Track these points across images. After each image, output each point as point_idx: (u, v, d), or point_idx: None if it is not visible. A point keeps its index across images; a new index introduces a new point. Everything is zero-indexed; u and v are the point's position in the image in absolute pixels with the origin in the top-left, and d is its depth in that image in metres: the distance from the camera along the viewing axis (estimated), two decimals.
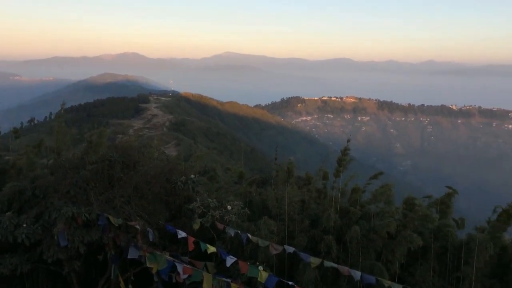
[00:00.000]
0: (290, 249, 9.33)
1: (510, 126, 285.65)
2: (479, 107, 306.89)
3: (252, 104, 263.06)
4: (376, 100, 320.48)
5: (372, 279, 8.40)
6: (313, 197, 12.24)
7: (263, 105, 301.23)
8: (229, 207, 10.17)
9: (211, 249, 9.26)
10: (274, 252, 9.32)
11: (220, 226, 9.95)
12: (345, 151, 11.83)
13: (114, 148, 11.37)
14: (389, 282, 8.08)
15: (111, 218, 9.07)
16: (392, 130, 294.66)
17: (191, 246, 9.24)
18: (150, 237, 9.18)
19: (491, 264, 10.25)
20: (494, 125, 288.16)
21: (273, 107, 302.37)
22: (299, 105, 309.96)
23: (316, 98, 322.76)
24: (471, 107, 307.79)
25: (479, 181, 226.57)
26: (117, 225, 9.15)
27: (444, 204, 11.88)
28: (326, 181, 12.71)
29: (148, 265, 9.06)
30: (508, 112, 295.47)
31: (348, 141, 12.03)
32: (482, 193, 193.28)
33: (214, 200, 10.29)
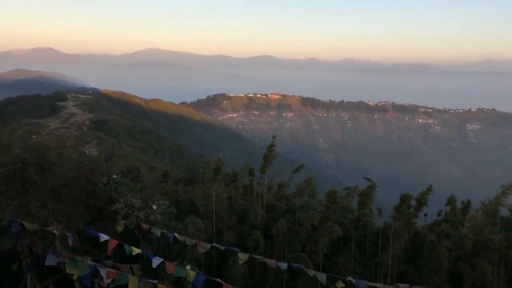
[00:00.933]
0: (219, 247, 9.32)
1: (420, 120, 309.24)
2: (393, 103, 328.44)
3: (177, 102, 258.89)
4: (299, 96, 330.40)
5: (299, 265, 8.66)
6: (240, 193, 12.34)
7: (189, 103, 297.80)
8: (154, 207, 9.93)
9: (136, 251, 8.98)
10: (202, 250, 9.25)
11: (145, 226, 9.68)
12: (270, 147, 12.04)
13: (27, 149, 10.63)
14: (313, 272, 8.37)
15: (25, 224, 8.46)
16: (315, 126, 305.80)
17: (110, 250, 8.88)
18: (70, 242, 8.70)
19: (405, 249, 10.96)
20: (406, 119, 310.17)
21: (199, 104, 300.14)
22: (225, 102, 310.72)
23: (242, 95, 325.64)
24: (385, 103, 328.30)
25: (394, 172, 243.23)
26: (32, 231, 8.56)
27: (365, 195, 12.49)
28: (253, 177, 12.86)
29: (68, 271, 8.57)
30: (418, 107, 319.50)
31: (274, 137, 12.26)
32: (397, 183, 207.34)
33: (139, 200, 9.99)
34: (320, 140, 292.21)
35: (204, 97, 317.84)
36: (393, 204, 12.79)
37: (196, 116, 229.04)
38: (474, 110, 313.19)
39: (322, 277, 8.20)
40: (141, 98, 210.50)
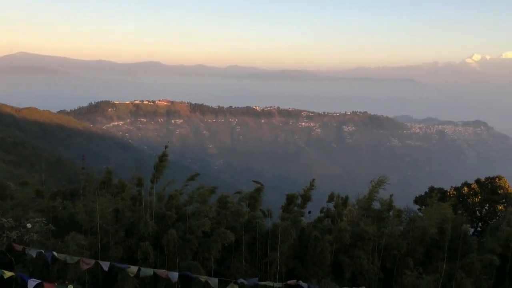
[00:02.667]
0: (105, 264, 8.80)
1: (303, 124, 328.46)
2: (278, 107, 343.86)
3: (55, 110, 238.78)
4: (188, 103, 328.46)
5: (189, 273, 8.57)
6: (127, 205, 11.81)
7: (69, 111, 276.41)
8: (29, 225, 9.04)
9: (8, 274, 8.07)
10: (86, 267, 8.65)
11: (18, 247, 8.76)
12: (163, 158, 11.73)
13: None
14: (205, 277, 8.37)
15: None
16: (205, 132, 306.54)
17: None
18: None
19: (293, 246, 11.50)
20: (290, 123, 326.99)
21: (81, 113, 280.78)
22: (109, 109, 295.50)
23: (127, 102, 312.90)
24: (271, 108, 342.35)
25: (282, 173, 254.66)
26: None
27: (253, 198, 12.80)
28: (141, 187, 12.41)
29: None
30: (301, 111, 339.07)
31: (166, 147, 11.98)
32: (284, 185, 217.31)
33: (10, 219, 9.00)
34: (210, 146, 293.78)
35: (85, 104, 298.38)
36: (282, 204, 13.27)
37: (78, 125, 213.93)
38: (349, 113, 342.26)
39: (213, 282, 8.24)
40: (12, 107, 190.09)
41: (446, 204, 12.51)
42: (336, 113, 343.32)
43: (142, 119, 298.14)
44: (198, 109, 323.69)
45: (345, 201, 13.79)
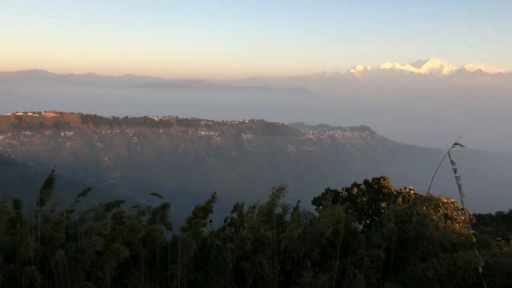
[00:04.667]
0: None
1: (203, 132, 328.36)
2: (177, 117, 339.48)
3: None
4: (79, 113, 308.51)
5: None
6: (4, 228, 10.61)
7: None
8: None
9: None
10: None
11: None
12: (49, 182, 10.74)
13: None
14: None
15: None
16: (99, 144, 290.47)
17: None
18: None
19: (194, 258, 11.32)
20: (190, 132, 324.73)
21: None
22: None
23: (8, 114, 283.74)
24: (170, 118, 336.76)
25: (183, 183, 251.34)
26: None
27: (157, 213, 12.40)
28: (19, 209, 11.22)
29: None
30: (200, 120, 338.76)
31: (53, 171, 11.00)
32: (186, 194, 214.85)
33: None
34: (106, 159, 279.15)
35: None
36: (183, 215, 13.04)
37: None
38: (247, 121, 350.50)
39: None
40: None
41: (340, 206, 13.32)
42: (235, 122, 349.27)
43: (26, 132, 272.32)
44: (90, 120, 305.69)
45: (250, 208, 13.96)
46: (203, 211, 13.01)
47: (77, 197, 11.92)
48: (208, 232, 12.90)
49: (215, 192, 13.32)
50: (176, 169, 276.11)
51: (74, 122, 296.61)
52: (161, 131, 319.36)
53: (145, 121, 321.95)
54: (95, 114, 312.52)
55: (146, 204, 13.04)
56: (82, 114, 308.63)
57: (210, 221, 13.52)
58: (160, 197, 13.09)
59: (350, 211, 16.07)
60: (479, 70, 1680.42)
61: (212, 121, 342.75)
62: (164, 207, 12.55)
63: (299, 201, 14.10)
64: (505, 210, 25.80)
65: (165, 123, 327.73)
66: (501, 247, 14.53)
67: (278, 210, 13.84)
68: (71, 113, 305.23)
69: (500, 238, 15.26)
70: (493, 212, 25.80)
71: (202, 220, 13.18)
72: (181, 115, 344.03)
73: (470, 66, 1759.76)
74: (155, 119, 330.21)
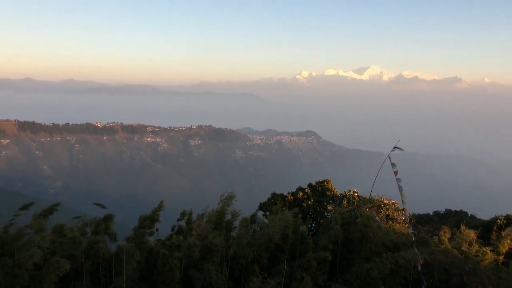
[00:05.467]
0: None
1: (149, 139, 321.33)
2: (121, 123, 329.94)
3: None
4: (15, 120, 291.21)
5: None
6: None
7: None
8: None
9: None
10: None
11: None
12: None
13: None
14: None
15: None
16: (37, 152, 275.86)
17: None
18: None
19: (140, 268, 11.02)
20: (135, 139, 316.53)
21: None
22: None
23: None
24: (114, 124, 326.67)
25: (129, 191, 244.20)
26: None
27: (100, 224, 12.00)
28: None
29: None
30: (146, 126, 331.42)
31: None
32: (133, 203, 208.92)
33: None
34: (45, 167, 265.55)
35: None
36: (130, 224, 12.68)
37: None
38: (194, 127, 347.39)
39: None
40: None
41: (288, 212, 13.50)
42: (182, 128, 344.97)
43: None
44: (28, 127, 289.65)
45: (199, 216, 13.81)
46: (149, 220, 12.72)
47: (18, 210, 11.31)
48: (154, 241, 12.63)
49: (161, 201, 13.09)
50: (122, 177, 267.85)
51: (10, 130, 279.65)
52: (105, 138, 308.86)
53: (88, 128, 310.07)
54: (33, 121, 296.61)
55: (89, 214, 12.59)
56: (18, 121, 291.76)
57: (157, 230, 13.26)
58: (104, 207, 12.67)
59: (297, 214, 16.31)
60: (416, 77, 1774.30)
61: (158, 127, 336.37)
62: (107, 218, 12.16)
63: (257, 211, 14.13)
64: (442, 210, 27.35)
65: (109, 129, 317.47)
66: (438, 244, 15.33)
67: (227, 216, 13.81)
68: (7, 120, 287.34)
69: (437, 237, 16.11)
70: (431, 212, 27.28)
71: (149, 230, 12.89)
72: (126, 122, 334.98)
73: (407, 73, 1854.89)
74: (99, 125, 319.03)
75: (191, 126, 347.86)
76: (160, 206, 12.84)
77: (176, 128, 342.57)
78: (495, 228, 18.04)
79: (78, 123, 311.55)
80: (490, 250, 14.94)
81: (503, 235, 15.78)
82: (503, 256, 15.33)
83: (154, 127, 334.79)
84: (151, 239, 12.70)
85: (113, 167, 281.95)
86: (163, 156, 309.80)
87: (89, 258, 10.63)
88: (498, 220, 18.72)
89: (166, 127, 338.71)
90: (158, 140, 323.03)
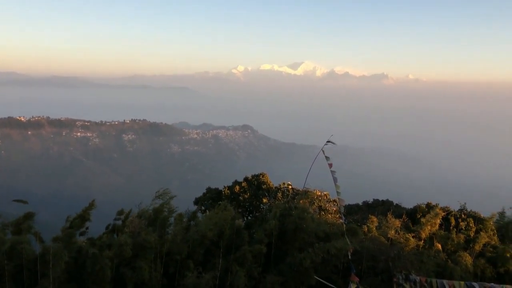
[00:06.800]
0: None
1: (79, 134, 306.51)
2: (48, 117, 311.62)
3: None
4: None
5: None
6: None
7: None
8: None
9: None
10: None
11: None
12: None
13: None
14: None
15: None
16: None
17: None
18: None
19: (69, 269, 10.54)
20: (64, 134, 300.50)
21: None
22: None
23: None
24: (40, 118, 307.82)
25: (58, 189, 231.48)
26: None
27: (19, 223, 11.28)
28: None
29: None
30: (75, 121, 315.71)
31: None
32: (62, 201, 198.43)
33: None
34: None
35: None
36: (58, 224, 12.09)
37: None
38: (128, 122, 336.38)
39: None
40: None
41: (224, 203, 13.51)
42: (115, 122, 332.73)
43: None
44: None
45: (128, 213, 13.42)
46: (80, 219, 12.19)
47: None
48: (84, 241, 12.14)
49: (93, 200, 12.62)
50: (50, 174, 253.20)
51: None
52: (29, 132, 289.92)
53: (10, 122, 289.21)
54: None
55: (12, 213, 11.82)
56: None
57: (87, 228, 12.77)
58: (25, 202, 11.96)
59: (239, 210, 16.41)
60: (347, 73, 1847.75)
61: (89, 121, 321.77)
62: (28, 216, 11.47)
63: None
64: (370, 200, 28.77)
65: (34, 124, 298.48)
66: (367, 233, 16.15)
67: (163, 213, 13.57)
68: None
69: (365, 225, 16.95)
70: (360, 202, 28.60)
71: (80, 229, 12.37)
72: (53, 115, 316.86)
73: (339, 69, 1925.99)
74: (22, 119, 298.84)
75: (124, 120, 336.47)
76: (91, 205, 12.35)
77: (108, 122, 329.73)
78: (417, 215, 19.36)
79: None
80: (413, 236, 15.99)
81: (423, 222, 16.96)
82: (423, 241, 16.48)
83: (84, 121, 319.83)
84: (82, 238, 12.21)
85: (39, 163, 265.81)
86: (95, 152, 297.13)
87: (11, 260, 9.99)
88: (420, 208, 20.09)
89: (97, 121, 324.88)
90: (88, 135, 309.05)
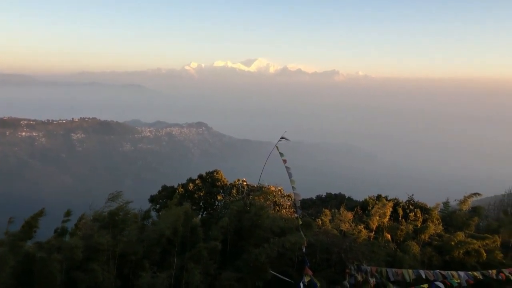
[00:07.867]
0: None
1: (24, 133, 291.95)
2: None
3: None
4: None
5: None
6: None
7: None
8: None
9: None
10: None
11: None
12: None
13: None
14: None
15: None
16: None
17: None
18: None
19: (16, 274, 10.12)
20: (8, 134, 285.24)
21: None
22: None
23: None
24: None
25: (2, 192, 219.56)
26: None
27: None
28: None
29: None
30: (19, 120, 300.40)
31: None
32: (9, 205, 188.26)
33: None
34: None
35: None
36: (4, 228, 11.57)
37: None
38: (77, 120, 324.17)
39: None
40: None
41: (176, 200, 13.38)
42: (63, 120, 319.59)
43: None
44: None
45: (81, 216, 13.02)
46: (27, 226, 11.70)
47: None
48: (32, 245, 11.68)
49: (43, 208, 12.12)
50: None
51: None
52: None
53: None
54: None
55: None
56: None
57: (35, 231, 12.28)
58: None
59: (194, 207, 16.30)
60: (299, 69, 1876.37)
61: (34, 120, 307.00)
62: None
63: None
64: (323, 193, 29.48)
65: None
66: (320, 226, 16.56)
67: (117, 214, 13.26)
68: None
69: (319, 219, 17.36)
70: (314, 197, 29.24)
71: (27, 233, 11.87)
72: None
73: (292, 66, 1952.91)
74: None
75: (73, 118, 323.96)
76: (40, 212, 11.86)
77: (55, 121, 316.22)
78: (368, 207, 20.06)
79: None
80: (364, 228, 16.57)
81: (372, 213, 17.62)
82: (374, 232, 17.12)
83: (29, 120, 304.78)
84: (29, 242, 11.73)
85: None
86: (42, 152, 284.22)
87: None
88: (370, 200, 20.82)
89: (43, 120, 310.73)
90: (34, 134, 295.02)
